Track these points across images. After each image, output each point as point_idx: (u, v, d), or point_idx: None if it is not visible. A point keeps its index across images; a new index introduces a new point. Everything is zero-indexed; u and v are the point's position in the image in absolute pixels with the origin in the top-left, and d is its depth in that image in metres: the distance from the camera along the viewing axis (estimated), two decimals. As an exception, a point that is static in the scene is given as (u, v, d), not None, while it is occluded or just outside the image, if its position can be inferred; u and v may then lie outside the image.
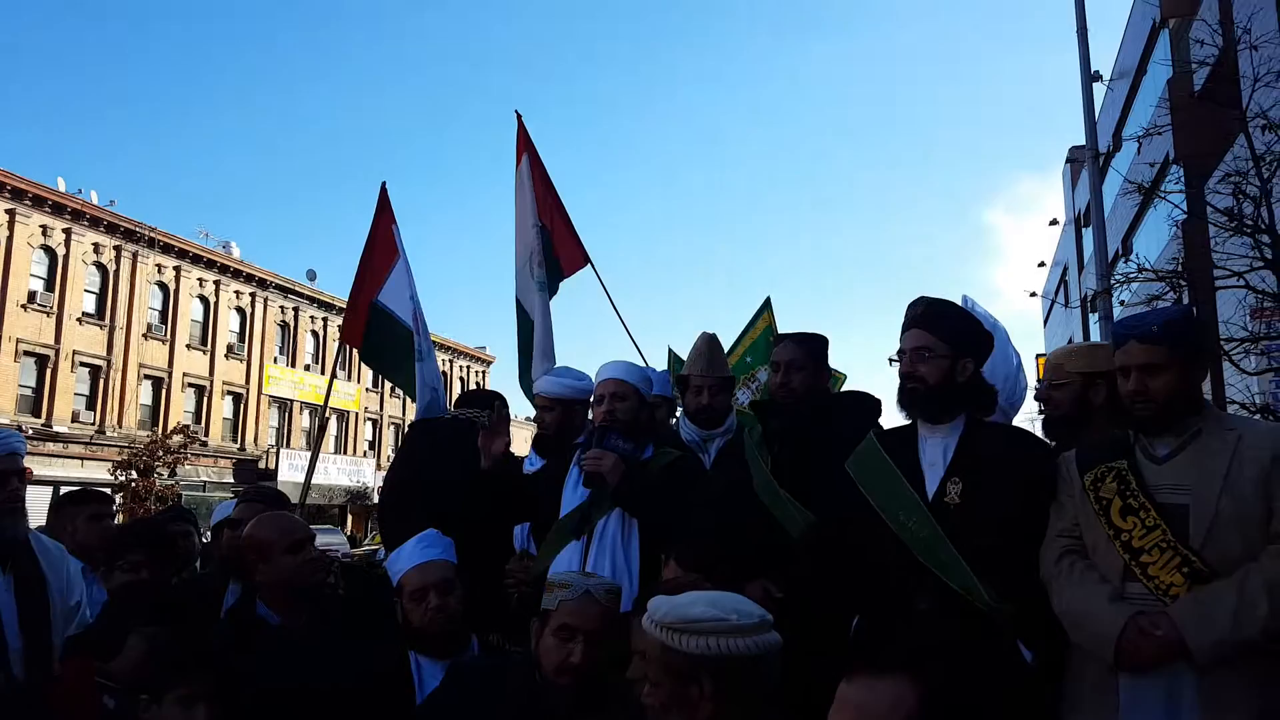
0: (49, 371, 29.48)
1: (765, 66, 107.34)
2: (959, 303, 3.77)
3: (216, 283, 36.14)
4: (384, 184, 5.75)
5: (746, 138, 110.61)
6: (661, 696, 1.90)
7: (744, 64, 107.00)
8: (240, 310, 37.53)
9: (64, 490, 4.38)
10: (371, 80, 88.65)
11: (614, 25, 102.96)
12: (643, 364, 4.76)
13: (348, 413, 42.34)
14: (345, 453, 41.68)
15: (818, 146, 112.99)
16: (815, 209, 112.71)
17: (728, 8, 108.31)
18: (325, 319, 41.00)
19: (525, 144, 6.00)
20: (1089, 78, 12.07)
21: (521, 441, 5.98)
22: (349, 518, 40.69)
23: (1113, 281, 11.90)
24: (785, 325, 6.25)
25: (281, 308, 39.56)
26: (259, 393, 37.86)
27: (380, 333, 5.55)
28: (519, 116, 6.06)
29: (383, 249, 5.64)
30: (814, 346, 3.54)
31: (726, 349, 4.85)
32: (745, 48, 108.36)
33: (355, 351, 6.03)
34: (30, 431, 26.58)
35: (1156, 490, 2.39)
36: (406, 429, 5.02)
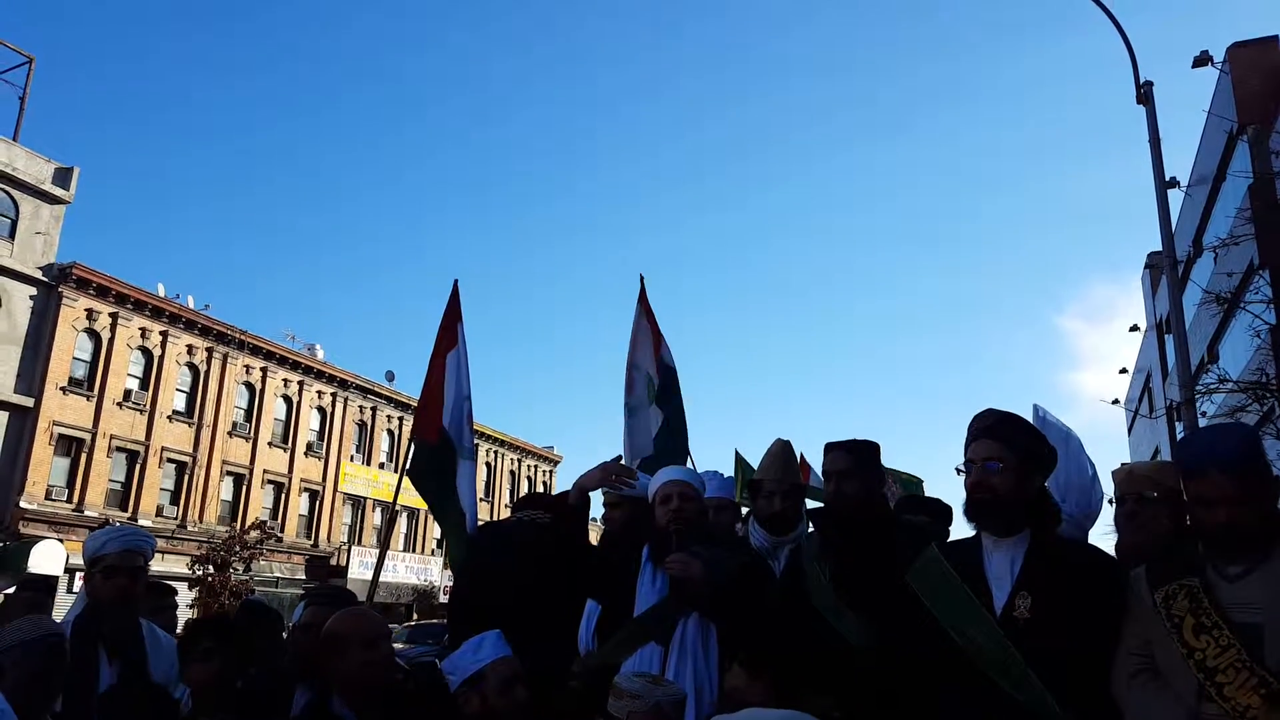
0: (138, 467, 30.60)
1: (833, 171, 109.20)
2: (1031, 410, 3.74)
3: (300, 383, 37.37)
4: (455, 281, 6.06)
5: (813, 241, 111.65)
6: None
7: (811, 168, 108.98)
8: (321, 409, 38.63)
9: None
10: (449, 186, 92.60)
11: (685, 138, 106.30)
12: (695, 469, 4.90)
13: (418, 510, 42.73)
14: (414, 551, 41.92)
15: (886, 251, 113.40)
16: (883, 314, 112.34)
17: (786, 119, 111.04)
18: (401, 418, 41.90)
19: (644, 302, 6.85)
20: (1164, 188, 11.97)
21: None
22: (415, 616, 40.62)
23: (1197, 392, 11.55)
24: (855, 433, 6.37)
25: (360, 407, 40.62)
26: (334, 490, 38.58)
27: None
28: (642, 279, 6.90)
29: (450, 345, 5.91)
30: (864, 453, 3.50)
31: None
32: (810, 154, 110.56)
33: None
34: (116, 525, 27.41)
35: (1230, 608, 2.34)
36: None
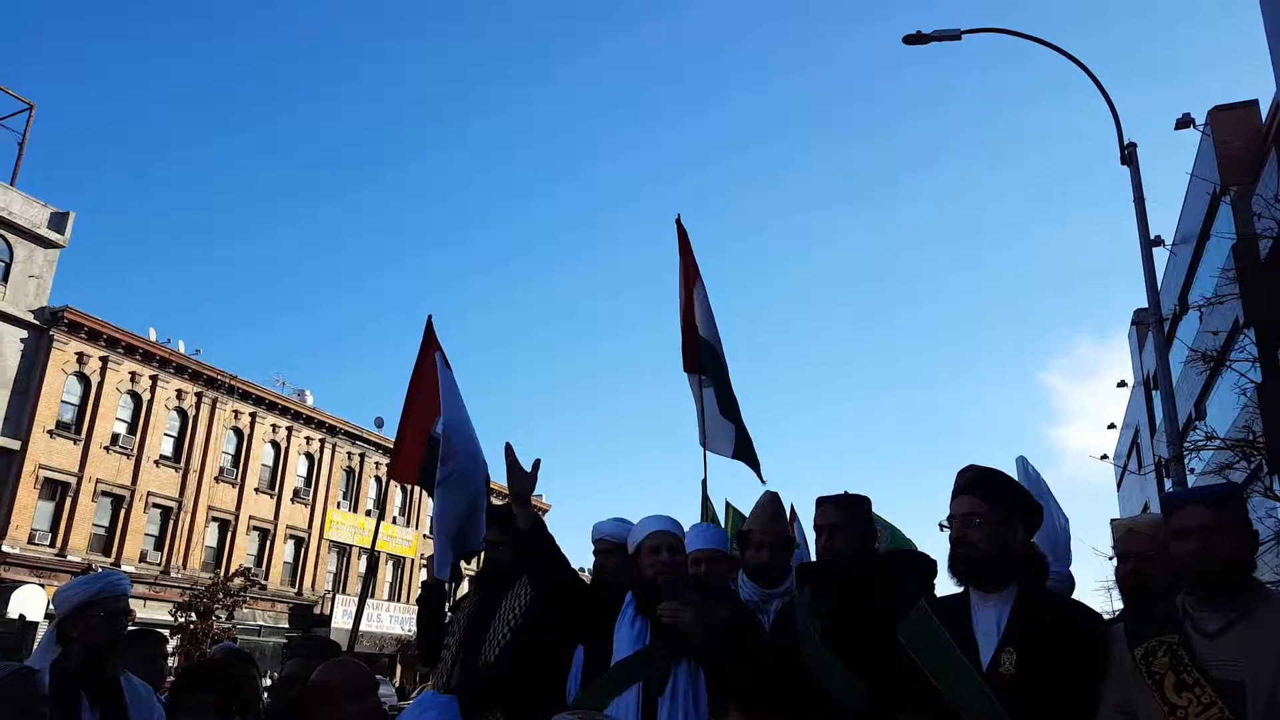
0: (123, 512, 30.28)
1: (815, 226, 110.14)
2: (1015, 463, 3.76)
3: (289, 429, 37.18)
4: (429, 317, 5.86)
5: (797, 297, 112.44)
6: None
7: (790, 222, 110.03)
8: (309, 455, 38.39)
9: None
10: (441, 232, 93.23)
11: (650, 200, 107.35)
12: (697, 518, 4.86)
13: (404, 559, 42.28)
14: (398, 600, 41.36)
15: (869, 307, 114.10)
16: (869, 369, 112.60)
17: (770, 171, 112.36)
18: (390, 465, 41.59)
19: (686, 247, 6.38)
20: (1149, 247, 12.13)
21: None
22: (399, 667, 39.97)
23: (1184, 448, 11.61)
24: (838, 487, 6.32)
25: (349, 453, 40.37)
26: (320, 537, 38.17)
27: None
28: (679, 220, 6.37)
29: (431, 381, 5.59)
30: (854, 507, 3.51)
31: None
32: (789, 209, 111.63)
33: (415, 497, 6.10)
34: (98, 570, 27.09)
35: (1209, 666, 2.36)
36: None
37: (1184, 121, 15.09)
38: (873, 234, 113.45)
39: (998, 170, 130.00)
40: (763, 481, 6.01)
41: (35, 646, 3.39)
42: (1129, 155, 12.22)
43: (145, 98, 74.43)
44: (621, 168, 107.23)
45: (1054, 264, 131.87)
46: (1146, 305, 12.35)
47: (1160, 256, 13.62)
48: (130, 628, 4.55)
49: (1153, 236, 12.35)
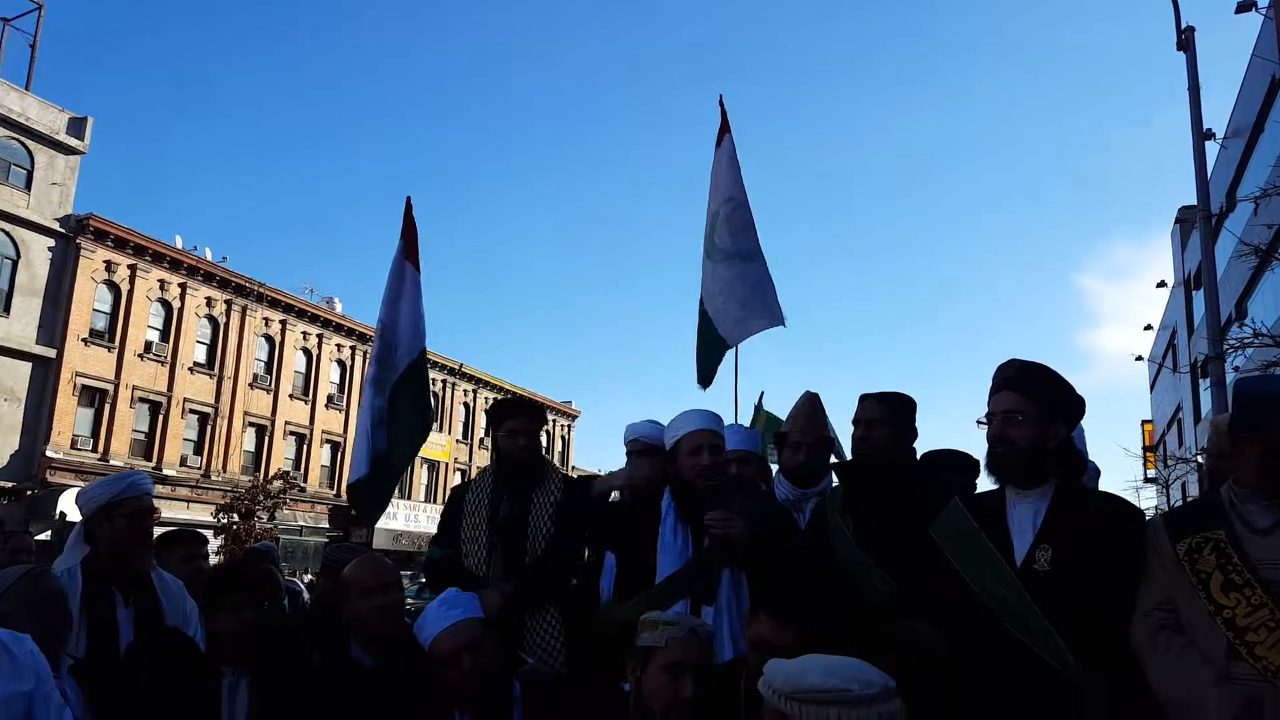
0: (161, 418, 30.93)
1: (852, 126, 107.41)
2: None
3: (319, 336, 37.52)
4: (408, 199, 5.57)
5: (817, 195, 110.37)
6: None
7: (827, 125, 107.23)
8: (340, 363, 38.84)
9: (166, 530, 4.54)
10: (472, 140, 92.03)
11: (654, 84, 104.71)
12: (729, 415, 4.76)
13: (439, 463, 43.12)
14: (435, 501, 42.38)
15: (898, 211, 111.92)
16: (895, 271, 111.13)
17: (798, 72, 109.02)
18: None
19: (725, 128, 5.99)
20: (1201, 137, 11.66)
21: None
22: (436, 568, 41.16)
23: (1226, 347, 11.34)
24: (867, 388, 6.14)
25: (379, 360, 40.77)
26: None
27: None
28: (721, 101, 5.99)
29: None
30: (897, 404, 3.44)
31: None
32: (827, 109, 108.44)
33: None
34: (124, 472, 27.77)
35: (1259, 565, 2.25)
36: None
37: (1245, 4, 14.21)
38: (904, 130, 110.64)
39: (1042, 65, 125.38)
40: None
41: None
42: (1186, 40, 11.61)
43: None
44: (650, 63, 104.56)
45: (1092, 164, 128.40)
46: (1191, 203, 11.92)
47: (1210, 152, 13.07)
48: (170, 528, 4.62)
49: (1205, 129, 11.83)
